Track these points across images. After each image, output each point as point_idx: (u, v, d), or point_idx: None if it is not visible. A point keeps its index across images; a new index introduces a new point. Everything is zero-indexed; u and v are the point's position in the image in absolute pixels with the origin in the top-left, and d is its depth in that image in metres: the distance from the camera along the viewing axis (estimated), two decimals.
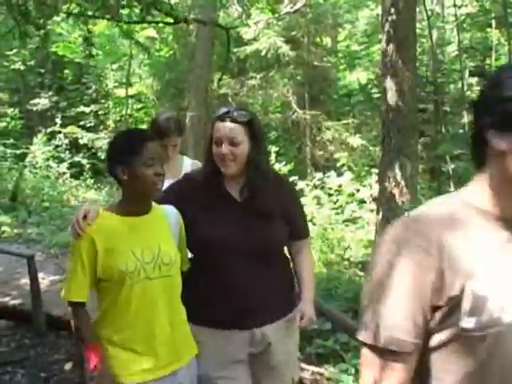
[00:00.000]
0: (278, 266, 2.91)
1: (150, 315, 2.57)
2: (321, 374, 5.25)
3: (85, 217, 2.49)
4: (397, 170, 7.76)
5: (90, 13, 6.70)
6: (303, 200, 11.62)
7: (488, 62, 16.42)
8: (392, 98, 7.82)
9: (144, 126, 18.63)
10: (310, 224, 11.27)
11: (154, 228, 2.65)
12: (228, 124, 2.70)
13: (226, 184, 2.83)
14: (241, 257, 2.72)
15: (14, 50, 18.07)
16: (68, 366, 6.11)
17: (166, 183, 3.17)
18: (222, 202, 2.80)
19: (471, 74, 16.01)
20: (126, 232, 2.56)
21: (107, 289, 2.55)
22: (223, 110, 2.76)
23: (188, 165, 4.03)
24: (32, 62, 19.24)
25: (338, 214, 11.71)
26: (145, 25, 14.47)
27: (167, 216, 2.73)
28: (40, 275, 7.48)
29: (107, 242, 2.49)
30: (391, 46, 7.81)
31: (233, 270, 2.73)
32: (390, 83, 7.84)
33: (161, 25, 12.96)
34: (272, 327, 2.84)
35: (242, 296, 2.75)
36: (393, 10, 7.78)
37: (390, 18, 7.83)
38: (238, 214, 2.78)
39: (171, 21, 7.81)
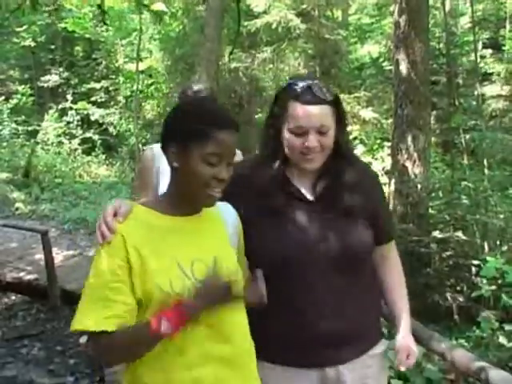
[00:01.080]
0: (362, 282, 2.20)
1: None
2: None
3: (115, 215, 1.80)
4: (409, 143, 7.74)
5: None
6: None
7: (502, 33, 16.24)
8: (404, 69, 7.77)
9: (154, 102, 18.67)
10: None
11: (208, 232, 1.94)
12: (314, 107, 2.01)
13: (294, 180, 2.17)
14: (317, 272, 2.07)
15: (25, 27, 18.03)
16: (83, 339, 6.16)
17: None
18: (289, 204, 2.13)
19: (484, 46, 15.85)
20: (171, 237, 1.83)
21: (140, 316, 1.76)
22: (300, 84, 2.04)
23: None
24: (42, 39, 19.18)
25: None
26: None
27: (223, 216, 2.03)
28: (54, 251, 7.58)
29: (145, 250, 1.76)
30: (403, 18, 7.75)
31: (303, 288, 2.07)
32: (402, 55, 7.78)
33: None
34: (351, 365, 2.13)
35: (313, 323, 2.07)
36: None
37: None
38: (313, 217, 2.13)
39: None
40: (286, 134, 2.06)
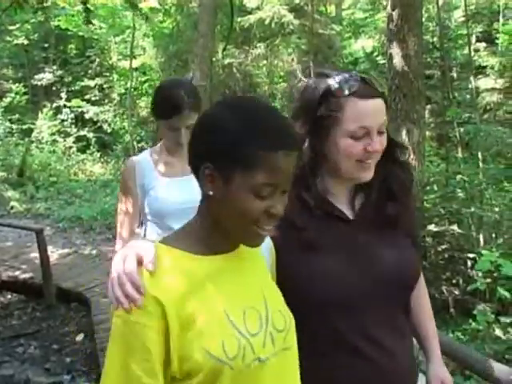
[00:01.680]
0: (406, 310, 1.87)
1: None
2: None
3: (139, 263, 1.31)
4: (404, 136, 7.73)
5: None
6: None
7: (495, 26, 16.25)
8: (398, 63, 7.76)
9: (148, 99, 18.62)
10: None
11: (249, 270, 1.51)
12: (376, 102, 1.67)
13: (330, 197, 1.77)
14: (368, 305, 1.71)
15: (17, 25, 17.97)
16: (79, 337, 6.18)
17: (177, 183, 2.77)
18: (327, 227, 1.73)
19: (478, 40, 15.85)
20: (212, 283, 1.38)
21: None
22: (347, 76, 1.70)
23: None
24: (35, 37, 19.13)
25: None
26: None
27: (262, 248, 1.56)
28: (49, 249, 7.56)
29: (185, 309, 1.31)
30: (397, 11, 7.73)
31: (357, 325, 1.71)
32: (395, 49, 7.77)
33: None
34: None
35: (370, 363, 1.72)
36: None
37: None
38: (357, 240, 1.74)
39: None
40: (341, 141, 1.66)
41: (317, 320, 1.68)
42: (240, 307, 1.39)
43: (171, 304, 1.28)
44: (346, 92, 1.65)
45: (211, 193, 1.34)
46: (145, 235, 2.91)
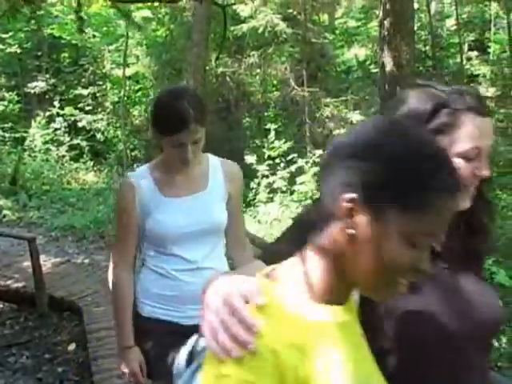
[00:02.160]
0: None
1: None
2: None
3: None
4: None
5: None
6: (304, 178, 11.64)
7: (487, 35, 16.35)
8: (390, 72, 7.80)
9: (142, 107, 18.63)
10: (310, 201, 11.33)
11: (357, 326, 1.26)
12: (489, 121, 1.50)
13: None
14: (472, 346, 1.52)
15: (10, 33, 17.97)
16: (72, 346, 6.16)
17: (181, 203, 2.60)
18: None
19: (470, 48, 15.95)
20: (341, 343, 1.11)
21: None
22: (458, 89, 1.51)
23: (217, 166, 2.70)
24: (28, 45, 19.12)
25: None
26: (140, 5, 14.40)
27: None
28: (42, 258, 7.52)
29: (307, 368, 1.04)
30: (388, 20, 7.77)
31: (464, 367, 1.51)
32: (387, 57, 7.81)
33: (156, 4, 12.89)
34: None
35: None
36: None
37: None
38: (454, 276, 1.56)
39: None
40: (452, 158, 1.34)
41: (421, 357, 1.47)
42: (367, 373, 1.15)
43: (288, 360, 1.01)
44: (464, 106, 1.46)
45: (353, 231, 1.08)
46: (143, 263, 2.71)
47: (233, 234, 2.76)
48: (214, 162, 2.71)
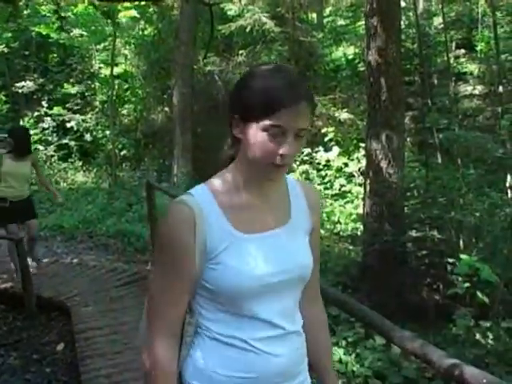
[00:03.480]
0: None
1: None
2: None
3: None
4: (383, 143, 7.78)
5: None
6: (292, 176, 11.66)
7: (474, 33, 16.42)
8: (376, 70, 7.82)
9: (130, 107, 18.59)
10: None
11: None
12: None
13: None
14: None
15: None
16: (60, 346, 6.14)
17: (263, 241, 1.77)
18: None
19: (458, 46, 16.02)
20: None
21: None
22: None
23: (297, 188, 1.93)
24: (16, 45, 19.05)
25: (326, 188, 11.76)
26: (127, 4, 14.37)
27: None
28: (30, 258, 7.50)
29: None
30: (375, 19, 7.79)
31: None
32: (374, 56, 7.83)
33: (143, 3, 12.86)
34: None
35: None
36: None
37: None
38: None
39: None
40: None
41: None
42: None
43: None
44: None
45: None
46: (197, 331, 1.81)
47: (310, 281, 1.92)
48: (291, 181, 1.94)
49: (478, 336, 5.85)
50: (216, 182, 1.80)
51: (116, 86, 17.97)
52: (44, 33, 17.85)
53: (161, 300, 1.74)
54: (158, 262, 1.76)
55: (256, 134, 1.64)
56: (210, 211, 1.71)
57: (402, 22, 9.18)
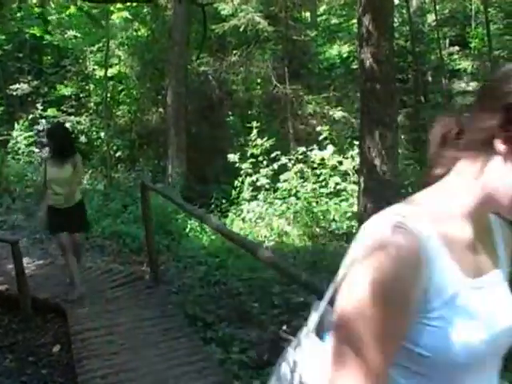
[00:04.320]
0: None
1: None
2: None
3: None
4: (377, 140, 7.78)
5: None
6: (287, 175, 11.67)
7: (468, 30, 16.45)
8: (369, 68, 7.81)
9: (125, 108, 18.56)
10: (294, 198, 11.40)
11: None
12: None
13: None
14: None
15: None
16: (56, 348, 6.13)
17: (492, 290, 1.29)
18: None
19: (451, 43, 16.04)
20: None
21: None
22: None
23: (495, 224, 1.40)
24: (9, 47, 19.02)
25: (321, 187, 11.76)
26: (120, 5, 14.37)
27: None
28: (26, 260, 7.49)
29: None
30: (367, 17, 7.78)
31: None
32: (366, 53, 7.82)
33: (135, 4, 12.86)
34: None
35: None
36: None
37: None
38: None
39: None
40: None
41: None
42: None
43: None
44: None
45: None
46: None
47: None
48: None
49: None
50: (428, 205, 1.27)
51: (110, 88, 17.95)
52: (38, 35, 17.82)
53: (362, 360, 1.12)
54: (363, 316, 1.13)
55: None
56: (433, 250, 1.18)
57: (395, 20, 9.18)
